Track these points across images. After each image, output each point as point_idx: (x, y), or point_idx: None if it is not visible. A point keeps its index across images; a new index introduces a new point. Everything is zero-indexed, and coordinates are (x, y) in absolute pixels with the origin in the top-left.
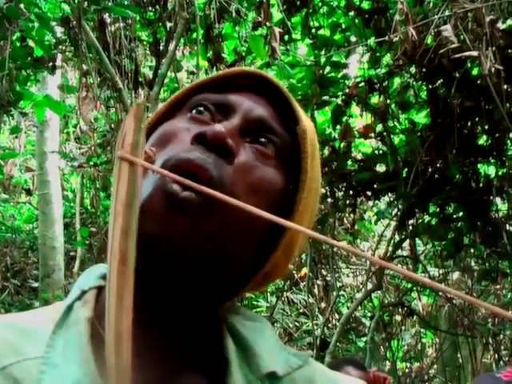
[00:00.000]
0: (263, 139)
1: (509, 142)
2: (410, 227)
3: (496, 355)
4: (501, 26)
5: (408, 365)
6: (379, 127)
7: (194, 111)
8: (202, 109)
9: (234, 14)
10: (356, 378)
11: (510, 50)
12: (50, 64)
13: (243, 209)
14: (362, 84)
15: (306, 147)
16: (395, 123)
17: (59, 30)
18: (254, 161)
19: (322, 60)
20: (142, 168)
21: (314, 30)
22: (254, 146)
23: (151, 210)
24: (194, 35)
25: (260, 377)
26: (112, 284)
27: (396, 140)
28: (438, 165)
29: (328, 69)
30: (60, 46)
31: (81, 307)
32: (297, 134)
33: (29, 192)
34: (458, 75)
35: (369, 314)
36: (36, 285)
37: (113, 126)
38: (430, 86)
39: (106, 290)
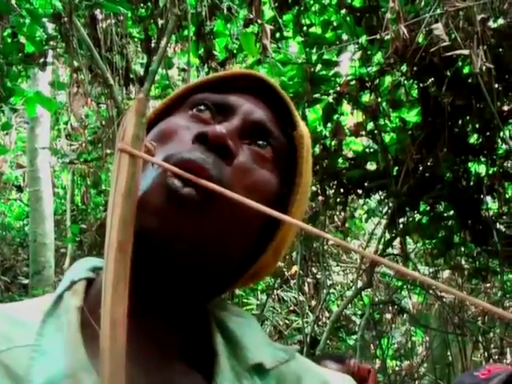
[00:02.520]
0: (261, 142)
1: (499, 140)
2: (401, 225)
3: (486, 353)
4: (492, 24)
5: (398, 363)
6: (370, 125)
7: (194, 109)
8: (202, 107)
9: (225, 12)
10: (334, 370)
11: (500, 49)
12: (41, 60)
13: (239, 208)
14: (353, 82)
15: (302, 152)
16: (386, 121)
17: (50, 26)
18: (252, 163)
19: (314, 58)
20: (142, 161)
21: (305, 28)
22: (252, 148)
23: (151, 204)
24: (186, 32)
25: (247, 368)
26: (109, 272)
27: (387, 138)
28: (428, 163)
29: (319, 67)
30: (51, 42)
31: (71, 297)
32: (293, 138)
33: (19, 189)
34: (449, 74)
35: (359, 312)
36: (26, 281)
37: (104, 122)
38: (421, 85)
39: (102, 277)
